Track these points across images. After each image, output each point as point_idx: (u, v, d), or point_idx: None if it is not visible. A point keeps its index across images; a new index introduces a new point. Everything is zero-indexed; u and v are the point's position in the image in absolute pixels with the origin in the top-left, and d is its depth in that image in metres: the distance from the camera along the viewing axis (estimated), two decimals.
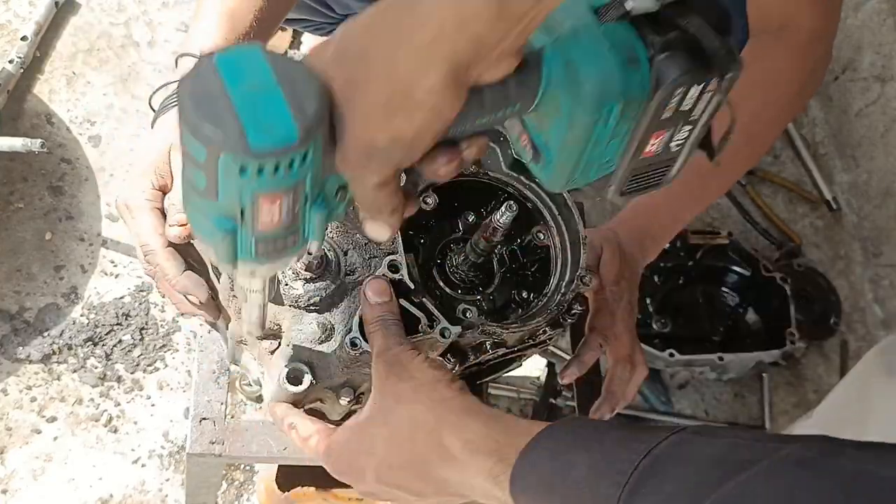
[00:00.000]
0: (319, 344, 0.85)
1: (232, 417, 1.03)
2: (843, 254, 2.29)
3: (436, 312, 0.84)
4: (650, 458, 0.62)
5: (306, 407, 0.96)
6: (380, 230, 0.68)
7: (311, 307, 0.85)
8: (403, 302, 0.83)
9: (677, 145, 0.65)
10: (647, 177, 0.67)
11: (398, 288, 0.84)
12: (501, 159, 0.97)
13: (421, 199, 0.93)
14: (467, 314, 0.89)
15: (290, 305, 0.86)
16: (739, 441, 0.62)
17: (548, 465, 0.69)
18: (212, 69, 0.54)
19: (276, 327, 0.88)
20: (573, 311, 0.94)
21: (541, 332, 0.93)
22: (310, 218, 0.61)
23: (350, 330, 0.82)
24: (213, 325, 0.98)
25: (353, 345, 0.81)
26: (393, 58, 0.56)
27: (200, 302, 0.91)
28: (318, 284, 0.85)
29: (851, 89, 2.31)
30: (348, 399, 0.89)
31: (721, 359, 1.88)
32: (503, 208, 0.85)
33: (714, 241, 1.98)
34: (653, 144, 0.63)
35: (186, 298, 0.92)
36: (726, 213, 2.22)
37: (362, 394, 0.92)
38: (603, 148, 0.63)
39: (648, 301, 1.93)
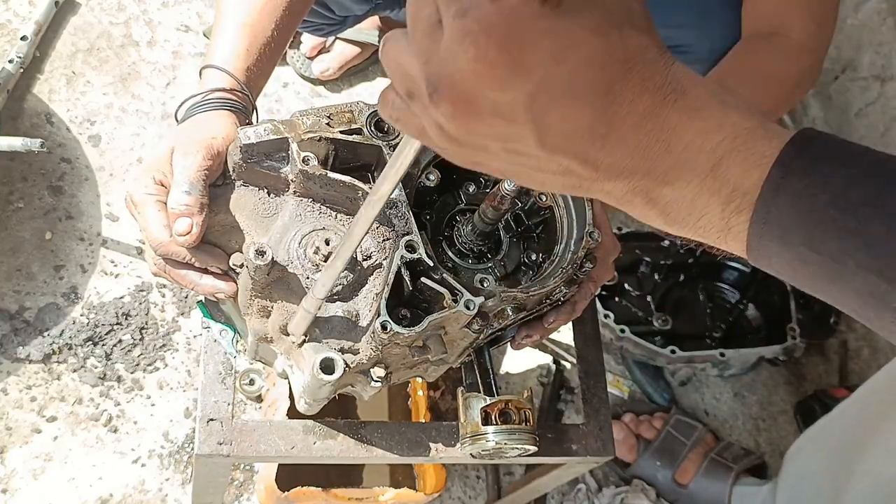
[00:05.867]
0: (347, 331, 0.87)
1: (233, 417, 1.03)
2: None
3: (457, 286, 0.86)
4: None
5: (338, 392, 0.98)
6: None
7: (334, 297, 0.88)
8: (425, 280, 0.85)
9: None
10: None
11: (417, 267, 0.86)
12: None
13: (424, 175, 0.95)
14: (484, 283, 0.91)
15: None
16: None
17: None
18: None
19: None
20: (584, 268, 0.96)
21: (557, 290, 0.96)
22: None
23: (378, 314, 0.83)
24: (224, 304, 1.00)
25: (384, 328, 0.83)
26: None
27: (221, 271, 0.93)
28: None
29: (851, 89, 2.31)
30: (379, 380, 0.92)
31: (723, 355, 1.88)
32: None
33: None
34: None
35: (208, 271, 0.93)
36: None
37: (391, 373, 0.94)
38: None
39: (649, 298, 1.93)
